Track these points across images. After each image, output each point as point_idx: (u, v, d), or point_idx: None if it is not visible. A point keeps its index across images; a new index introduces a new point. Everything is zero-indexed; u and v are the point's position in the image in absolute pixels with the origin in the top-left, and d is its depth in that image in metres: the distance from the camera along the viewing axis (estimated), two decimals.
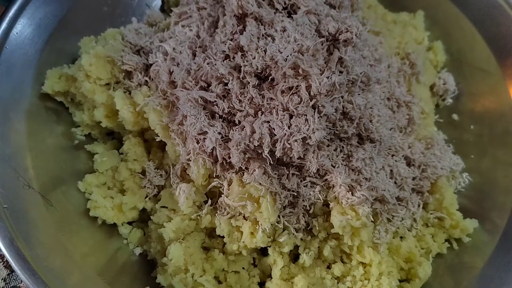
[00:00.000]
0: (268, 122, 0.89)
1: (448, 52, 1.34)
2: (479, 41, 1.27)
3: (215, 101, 0.93)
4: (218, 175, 0.96)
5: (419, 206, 1.08)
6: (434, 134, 1.19)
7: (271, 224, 0.93)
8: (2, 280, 1.04)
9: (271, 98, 0.90)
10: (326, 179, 0.96)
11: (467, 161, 1.19)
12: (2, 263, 1.05)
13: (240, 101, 0.92)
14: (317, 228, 0.97)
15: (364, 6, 1.23)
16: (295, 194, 0.95)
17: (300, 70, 0.87)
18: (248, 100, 0.91)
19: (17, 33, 1.02)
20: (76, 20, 1.13)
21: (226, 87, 0.93)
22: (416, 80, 1.22)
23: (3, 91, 0.98)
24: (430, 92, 1.30)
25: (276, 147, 0.89)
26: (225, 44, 0.93)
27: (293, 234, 0.96)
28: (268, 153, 0.89)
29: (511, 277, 0.96)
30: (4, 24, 1.01)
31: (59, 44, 1.10)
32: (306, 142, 0.88)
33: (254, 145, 0.89)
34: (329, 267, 1.01)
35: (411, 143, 1.12)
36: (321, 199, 0.96)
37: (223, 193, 0.96)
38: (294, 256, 1.02)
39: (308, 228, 0.99)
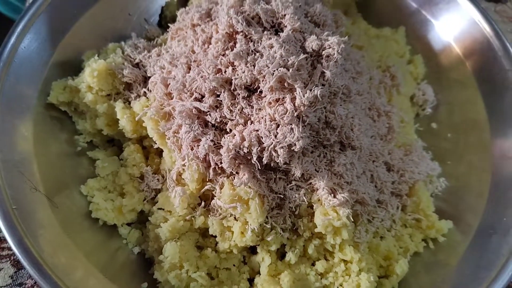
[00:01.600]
0: (257, 130, 0.94)
1: (427, 65, 1.42)
2: (457, 56, 1.34)
3: (208, 111, 0.98)
4: (210, 179, 1.01)
5: (397, 208, 1.14)
6: (413, 142, 1.27)
7: (260, 225, 0.98)
8: (10, 278, 1.09)
9: (259, 109, 0.96)
10: (310, 183, 1.01)
11: (444, 167, 1.27)
12: (9, 261, 1.11)
13: (231, 111, 0.97)
14: (302, 228, 1.02)
15: (348, 22, 1.32)
16: (282, 196, 1.01)
17: (285, 84, 0.94)
18: (238, 110, 0.97)
19: (24, 47, 1.07)
20: (80, 35, 1.19)
21: (218, 98, 0.98)
22: (397, 91, 1.30)
23: (12, 101, 1.03)
24: (410, 103, 1.38)
25: (263, 154, 0.95)
26: (218, 59, 1.00)
27: (280, 233, 1.01)
28: (256, 159, 0.95)
29: (482, 273, 1.02)
30: (13, 39, 1.06)
31: (63, 57, 1.16)
32: (292, 149, 0.94)
33: (244, 152, 0.94)
34: (313, 264, 1.06)
35: (390, 150, 1.19)
36: (306, 201, 1.01)
37: (215, 196, 1.02)
38: (281, 254, 1.07)
39: (294, 228, 1.04)
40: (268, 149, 0.94)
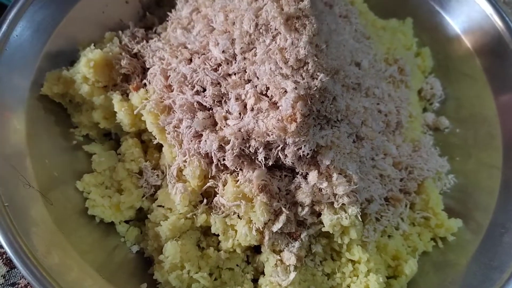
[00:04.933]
0: (264, 131, 0.90)
1: (435, 58, 1.38)
2: (465, 48, 1.31)
3: (211, 106, 0.95)
4: (213, 175, 0.98)
5: (406, 206, 1.11)
6: (421, 137, 1.23)
7: (264, 223, 0.95)
8: (2, 277, 1.05)
9: (267, 109, 0.92)
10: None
11: (452, 163, 1.24)
12: (1, 260, 1.07)
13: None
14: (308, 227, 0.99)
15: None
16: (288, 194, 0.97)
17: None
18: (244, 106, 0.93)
19: (16, 36, 1.03)
20: (75, 24, 1.14)
21: (220, 91, 0.95)
22: (405, 85, 1.26)
23: (3, 93, 1.00)
24: (418, 97, 1.34)
25: (270, 154, 0.92)
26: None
27: (285, 232, 0.98)
28: (262, 159, 0.92)
29: (492, 274, 0.99)
30: (4, 27, 1.02)
31: (57, 46, 1.12)
32: (301, 151, 0.91)
33: (250, 151, 0.92)
34: (320, 264, 1.02)
35: (399, 146, 1.15)
36: (313, 199, 0.97)
37: (218, 193, 0.99)
38: None
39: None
40: (275, 150, 0.91)
